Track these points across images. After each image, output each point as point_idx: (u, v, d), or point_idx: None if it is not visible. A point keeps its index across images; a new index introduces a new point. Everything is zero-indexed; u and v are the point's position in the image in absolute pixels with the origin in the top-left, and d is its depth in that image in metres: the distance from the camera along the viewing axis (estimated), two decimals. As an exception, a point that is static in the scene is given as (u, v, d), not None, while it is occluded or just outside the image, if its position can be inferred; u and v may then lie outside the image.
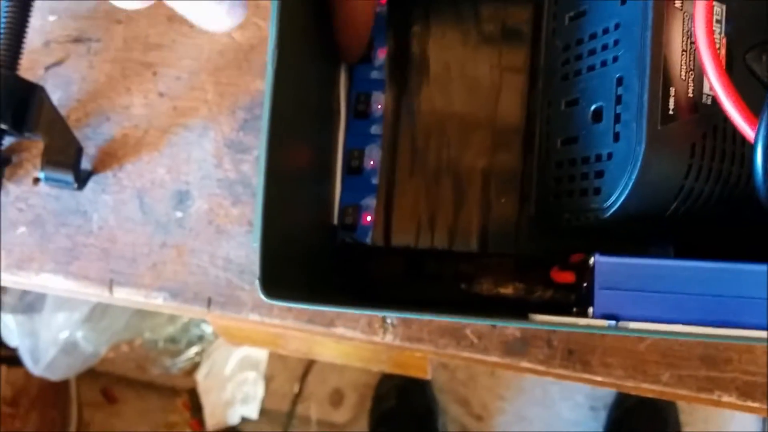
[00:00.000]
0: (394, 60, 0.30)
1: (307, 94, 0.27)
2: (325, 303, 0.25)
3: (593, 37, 0.24)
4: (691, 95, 0.21)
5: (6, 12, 0.35)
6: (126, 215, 0.38)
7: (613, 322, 0.21)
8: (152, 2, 0.21)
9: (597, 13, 0.24)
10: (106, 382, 1.13)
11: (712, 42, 0.20)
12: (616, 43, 0.23)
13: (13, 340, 0.85)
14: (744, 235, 0.24)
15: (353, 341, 0.38)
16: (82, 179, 0.38)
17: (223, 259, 0.37)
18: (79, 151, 0.37)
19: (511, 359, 0.35)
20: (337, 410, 1.11)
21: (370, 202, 0.29)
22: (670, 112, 0.21)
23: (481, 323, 0.35)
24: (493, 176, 0.29)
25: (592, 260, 0.22)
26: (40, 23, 0.40)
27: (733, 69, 0.22)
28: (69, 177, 0.36)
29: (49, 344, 0.83)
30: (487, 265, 0.31)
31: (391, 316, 0.36)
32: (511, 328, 0.35)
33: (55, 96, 0.39)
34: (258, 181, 0.23)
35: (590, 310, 0.22)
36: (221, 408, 1.09)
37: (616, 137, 0.22)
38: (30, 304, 0.81)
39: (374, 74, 0.30)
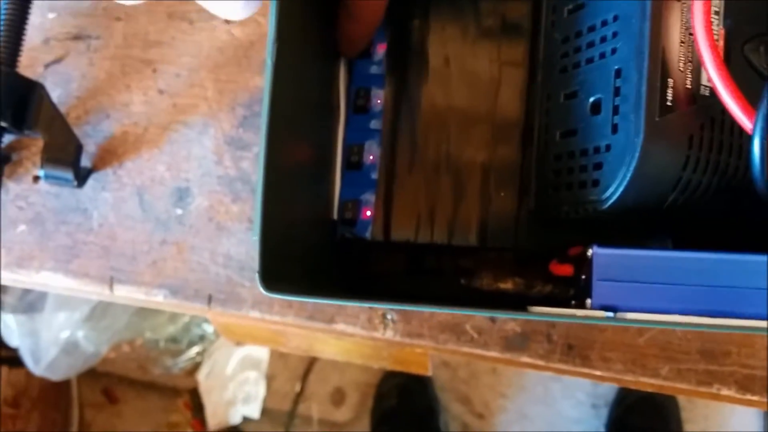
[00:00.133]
0: (394, 55, 0.30)
1: (306, 90, 0.28)
2: (324, 296, 0.25)
3: (592, 29, 0.24)
4: (689, 87, 0.22)
5: (5, 10, 0.35)
6: (126, 213, 0.38)
7: (611, 314, 0.21)
8: None
9: (596, 5, 0.24)
10: (107, 382, 1.14)
11: (710, 33, 0.20)
12: (614, 35, 0.23)
13: (13, 340, 0.85)
14: (742, 226, 0.24)
15: (354, 337, 0.38)
16: (81, 177, 0.38)
17: (224, 256, 0.37)
18: (78, 148, 0.37)
19: (511, 354, 0.35)
20: (339, 409, 1.11)
21: (370, 197, 0.29)
22: (668, 104, 0.21)
23: (480, 314, 0.35)
24: (493, 170, 0.29)
25: (590, 252, 0.22)
26: (40, 21, 0.40)
27: (731, 61, 0.22)
28: (69, 175, 0.36)
29: (50, 344, 0.83)
30: (487, 260, 0.31)
31: (390, 309, 0.36)
32: (511, 323, 0.35)
33: (55, 93, 0.39)
34: (258, 176, 0.23)
35: (588, 301, 0.22)
36: (223, 408, 1.09)
37: (615, 129, 0.22)
38: (31, 303, 0.81)
39: (374, 69, 0.30)
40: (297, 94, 0.26)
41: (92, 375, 1.09)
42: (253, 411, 1.10)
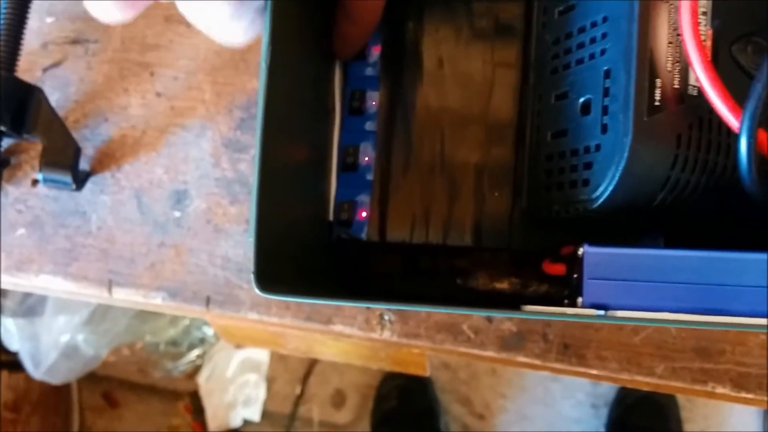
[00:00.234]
0: (388, 57, 0.30)
1: (301, 92, 0.28)
2: (320, 297, 0.25)
3: (582, 30, 0.24)
4: (677, 86, 0.22)
5: (4, 14, 0.35)
6: (124, 215, 0.38)
7: (601, 312, 0.22)
8: (130, 19, 0.21)
9: (585, 7, 0.24)
10: (107, 386, 1.14)
11: (697, 34, 0.21)
12: (603, 36, 0.23)
13: (13, 344, 0.85)
14: (731, 225, 0.24)
15: (351, 338, 0.38)
16: (80, 180, 0.38)
17: (222, 258, 0.38)
18: (77, 152, 0.37)
19: (507, 354, 0.36)
20: (339, 411, 1.11)
21: (366, 198, 0.30)
22: (657, 104, 0.21)
23: (474, 314, 0.35)
24: (487, 170, 0.29)
25: (581, 251, 0.22)
26: (38, 25, 0.40)
27: (719, 61, 0.23)
28: (67, 178, 0.37)
29: (50, 348, 0.84)
30: (483, 260, 0.32)
31: (387, 310, 0.36)
32: (508, 323, 0.36)
33: (53, 97, 0.39)
34: (254, 177, 0.23)
35: (580, 300, 0.22)
36: (223, 410, 1.10)
37: (604, 129, 0.22)
38: (31, 307, 0.81)
39: (369, 71, 0.31)
40: (292, 96, 0.26)
41: (92, 379, 1.09)
42: (254, 413, 1.10)
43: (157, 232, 0.38)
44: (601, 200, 0.23)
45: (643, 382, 0.35)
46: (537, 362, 0.36)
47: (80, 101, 0.40)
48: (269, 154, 0.23)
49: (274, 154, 0.24)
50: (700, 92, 0.21)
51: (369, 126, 0.30)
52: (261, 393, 1.10)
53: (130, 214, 0.38)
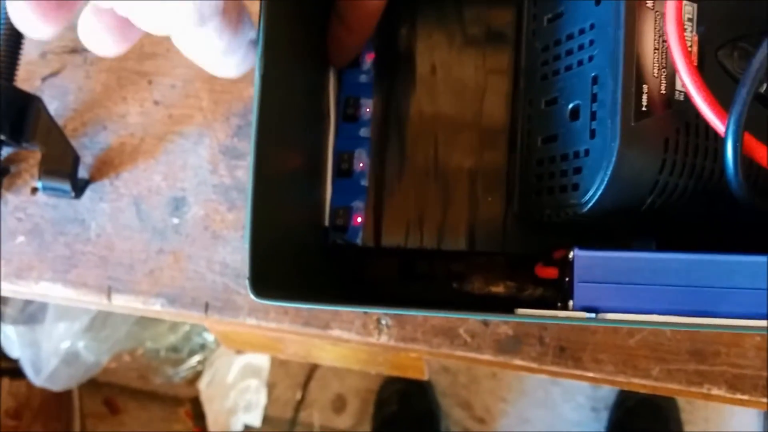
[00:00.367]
0: (382, 64, 0.31)
1: (295, 99, 0.28)
2: (316, 302, 0.26)
3: (570, 37, 0.25)
4: (664, 92, 0.22)
5: (3, 24, 0.35)
6: (123, 222, 0.39)
7: (592, 315, 0.22)
8: (124, 51, 0.22)
9: (573, 14, 0.25)
10: (108, 392, 1.14)
11: (682, 39, 0.21)
12: (591, 42, 0.23)
13: (14, 351, 0.85)
14: (720, 228, 0.25)
15: (349, 343, 0.38)
16: (79, 188, 0.38)
17: (220, 264, 0.38)
18: (76, 160, 0.37)
19: (504, 357, 0.36)
20: (340, 416, 1.11)
21: (360, 203, 0.30)
22: (644, 109, 0.22)
23: (468, 317, 0.35)
24: (480, 175, 0.30)
25: (571, 254, 0.22)
26: (37, 35, 0.41)
27: (705, 66, 0.23)
28: (66, 186, 0.37)
29: (51, 355, 0.84)
30: (478, 264, 0.32)
31: (384, 315, 0.36)
32: (504, 327, 0.36)
33: (52, 106, 0.40)
34: (248, 183, 0.23)
35: (571, 303, 0.22)
36: (224, 416, 1.10)
37: (593, 134, 0.23)
38: (31, 314, 0.81)
39: (363, 78, 0.31)
40: (286, 103, 0.26)
41: (93, 385, 1.09)
42: (255, 419, 1.10)
43: (155, 239, 0.38)
44: (590, 204, 0.23)
45: (639, 384, 0.35)
46: (533, 365, 0.36)
47: (79, 110, 0.40)
48: (264, 160, 0.23)
49: (268, 160, 0.24)
50: (687, 97, 0.22)
51: (363, 132, 0.30)
52: (262, 398, 1.10)
53: (129, 221, 0.39)
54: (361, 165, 0.30)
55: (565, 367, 0.35)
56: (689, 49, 0.22)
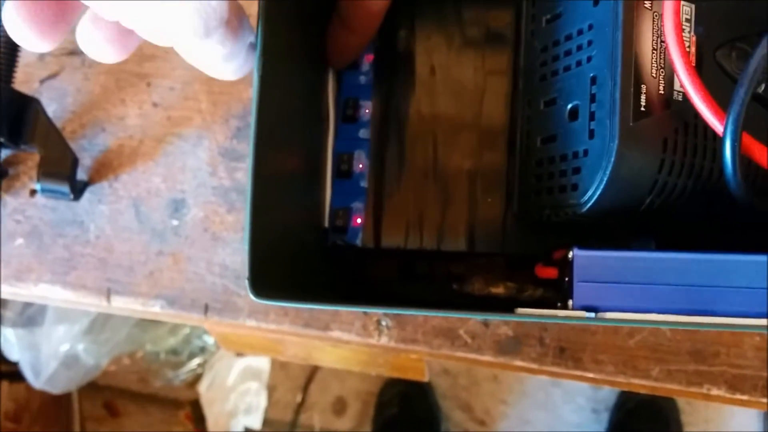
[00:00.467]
0: (381, 65, 0.31)
1: (294, 101, 0.28)
2: (316, 302, 0.26)
3: (569, 38, 0.25)
4: (662, 92, 0.22)
5: (1, 27, 0.35)
6: (122, 224, 0.39)
7: (592, 314, 0.22)
8: (124, 59, 0.22)
9: (572, 15, 0.25)
10: (108, 395, 1.14)
11: (680, 40, 0.21)
12: (589, 43, 0.23)
13: (14, 354, 0.85)
14: (719, 227, 0.25)
15: (349, 344, 0.38)
16: (78, 190, 0.38)
17: (219, 265, 0.38)
18: (74, 162, 0.37)
19: (504, 358, 0.36)
20: (340, 419, 1.11)
21: (360, 204, 0.30)
22: (642, 109, 0.22)
23: (468, 317, 0.35)
24: (480, 176, 0.30)
25: (570, 254, 0.22)
26: (36, 38, 0.41)
27: (704, 66, 0.23)
28: (65, 188, 0.37)
29: (50, 357, 0.84)
30: (478, 265, 0.32)
31: (384, 316, 0.36)
32: (504, 327, 0.36)
33: (51, 108, 0.40)
34: (247, 184, 0.23)
35: (570, 302, 0.22)
36: (224, 419, 1.10)
37: (591, 134, 0.23)
38: (31, 317, 0.81)
39: (362, 79, 0.31)
40: (285, 105, 0.26)
41: (93, 388, 1.09)
42: (255, 422, 1.10)
43: (155, 241, 0.38)
44: (589, 204, 0.23)
45: (639, 384, 0.35)
46: (534, 366, 0.36)
47: (77, 112, 0.40)
48: (263, 162, 0.23)
49: (267, 162, 0.24)
50: (686, 98, 0.22)
51: (363, 134, 0.30)
52: (262, 401, 1.10)
53: (128, 223, 0.39)
54: (360, 166, 0.30)
55: (565, 367, 0.35)
56: (687, 49, 0.22)
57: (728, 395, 0.34)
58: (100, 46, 0.21)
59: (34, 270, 0.39)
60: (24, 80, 0.40)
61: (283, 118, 0.26)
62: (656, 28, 0.22)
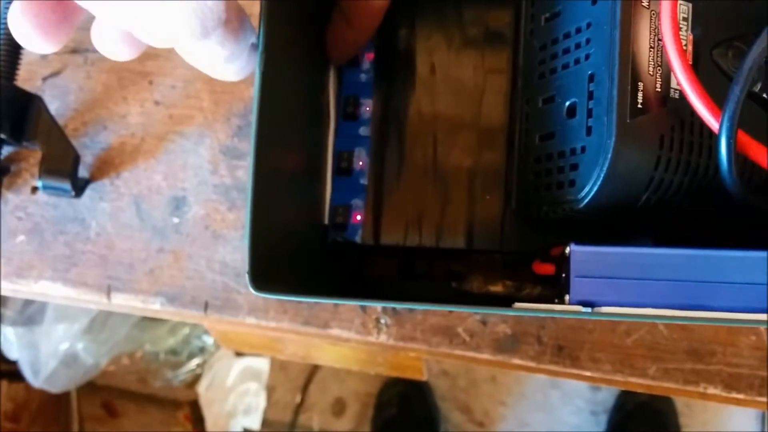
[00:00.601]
0: (381, 64, 0.31)
1: (295, 99, 0.28)
2: (315, 295, 0.26)
3: (567, 36, 0.25)
4: (659, 90, 0.22)
5: (3, 23, 0.36)
6: (123, 222, 0.39)
7: (588, 309, 0.22)
8: (137, 55, 0.22)
9: (570, 14, 0.25)
10: (107, 395, 1.14)
11: (677, 38, 0.21)
12: (587, 41, 0.24)
13: (13, 352, 0.86)
14: (715, 224, 0.25)
15: (349, 342, 0.38)
16: (79, 187, 0.39)
17: (220, 263, 0.38)
18: (76, 159, 0.38)
19: (502, 356, 0.36)
20: (339, 419, 1.11)
21: (360, 202, 0.30)
22: (639, 106, 0.22)
23: (465, 311, 0.35)
24: (479, 174, 0.30)
25: (567, 250, 0.23)
26: (39, 36, 0.41)
27: (700, 65, 0.23)
28: (67, 185, 0.37)
29: (49, 356, 0.84)
30: (477, 263, 0.32)
31: (381, 310, 0.36)
32: (502, 326, 0.36)
33: (53, 106, 0.40)
34: (248, 181, 0.24)
35: (567, 297, 0.22)
36: (223, 419, 1.10)
37: (589, 131, 0.23)
38: (30, 316, 0.81)
39: (362, 77, 0.31)
40: (286, 103, 0.26)
41: (92, 388, 1.09)
42: (254, 422, 1.10)
43: (155, 238, 0.38)
44: (586, 200, 0.23)
45: (636, 383, 0.35)
46: (531, 364, 0.36)
47: (79, 110, 0.40)
48: (263, 159, 0.24)
49: (268, 159, 0.24)
50: (682, 95, 0.22)
51: (363, 131, 0.31)
52: (261, 402, 1.10)
53: (129, 220, 0.39)
54: (360, 163, 0.30)
55: (563, 366, 0.36)
56: (684, 48, 0.23)
57: (724, 394, 0.35)
58: (113, 46, 0.21)
59: (35, 267, 0.39)
60: (27, 78, 0.40)
61: (283, 116, 0.26)
62: (654, 26, 0.22)
